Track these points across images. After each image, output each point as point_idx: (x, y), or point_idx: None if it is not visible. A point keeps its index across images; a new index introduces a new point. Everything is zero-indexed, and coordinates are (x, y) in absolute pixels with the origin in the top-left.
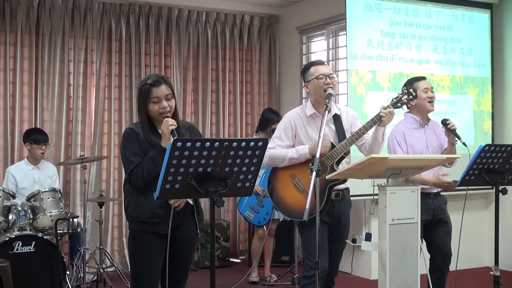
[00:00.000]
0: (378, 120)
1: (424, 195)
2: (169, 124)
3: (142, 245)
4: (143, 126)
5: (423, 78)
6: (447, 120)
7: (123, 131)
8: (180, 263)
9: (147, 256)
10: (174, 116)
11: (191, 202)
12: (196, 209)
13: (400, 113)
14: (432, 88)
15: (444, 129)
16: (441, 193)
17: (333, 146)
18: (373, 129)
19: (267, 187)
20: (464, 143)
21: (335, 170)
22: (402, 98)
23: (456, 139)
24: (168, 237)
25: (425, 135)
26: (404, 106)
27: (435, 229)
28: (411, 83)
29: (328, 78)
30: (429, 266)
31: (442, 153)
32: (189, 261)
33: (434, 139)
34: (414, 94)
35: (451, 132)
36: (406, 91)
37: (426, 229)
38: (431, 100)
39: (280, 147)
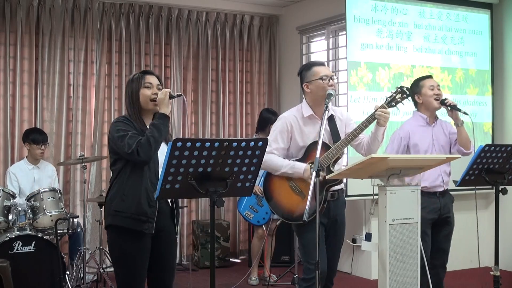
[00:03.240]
0: (373, 120)
1: (430, 194)
2: (167, 90)
3: (128, 247)
4: (136, 117)
5: (430, 77)
6: (445, 99)
7: None
8: (165, 266)
9: (135, 259)
10: None
11: (169, 202)
12: (176, 212)
13: (409, 112)
14: (438, 86)
15: (447, 112)
16: (449, 192)
17: (328, 147)
18: (370, 128)
19: (263, 189)
20: (465, 113)
21: (331, 171)
22: (396, 97)
23: (460, 115)
24: (183, 237)
25: (432, 134)
26: (405, 103)
27: (438, 229)
28: (418, 82)
29: (330, 80)
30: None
31: (454, 145)
32: (175, 262)
33: (442, 137)
34: (407, 92)
35: (452, 108)
36: (399, 89)
37: (432, 228)
38: (437, 98)
39: (276, 151)
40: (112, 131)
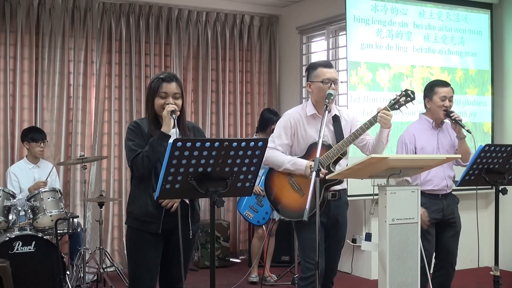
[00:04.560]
0: (375, 122)
1: (433, 196)
2: (169, 108)
3: (138, 243)
4: (149, 120)
5: (447, 85)
6: (451, 112)
7: (123, 131)
8: (177, 263)
9: (143, 254)
10: (181, 116)
11: (187, 201)
12: (191, 211)
13: (412, 112)
14: (451, 97)
15: (451, 124)
16: (453, 193)
17: (329, 148)
18: (376, 129)
19: (264, 186)
20: (468, 130)
21: (332, 171)
22: (400, 100)
23: (463, 131)
24: (180, 236)
25: (437, 137)
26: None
27: (443, 230)
28: (433, 86)
29: (333, 84)
30: (434, 265)
31: (455, 153)
32: (187, 261)
33: (447, 140)
34: (412, 96)
35: (456, 123)
36: (404, 92)
37: (436, 229)
38: (445, 109)
39: (280, 147)
40: (125, 139)
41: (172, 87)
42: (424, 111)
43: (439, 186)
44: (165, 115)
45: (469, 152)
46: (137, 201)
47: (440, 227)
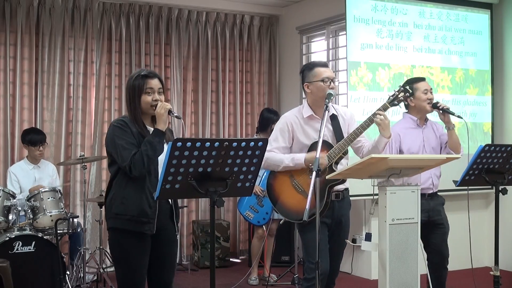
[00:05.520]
0: (374, 118)
1: None
2: (167, 107)
3: (131, 247)
4: (136, 120)
5: (423, 79)
6: (437, 103)
7: None
8: (166, 264)
9: (138, 259)
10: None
11: (170, 201)
12: (174, 210)
13: (399, 113)
14: (431, 89)
15: (439, 115)
16: (439, 194)
17: (330, 147)
18: (374, 128)
19: (266, 188)
20: (459, 116)
21: (334, 170)
22: (399, 96)
23: (452, 119)
24: (185, 237)
25: (423, 135)
26: (402, 106)
27: (431, 231)
28: (411, 83)
29: (332, 82)
30: (427, 266)
31: (444, 148)
32: (175, 262)
33: (433, 138)
34: (410, 91)
35: (445, 112)
36: (402, 88)
37: (423, 230)
38: (430, 102)
39: (277, 150)
40: (110, 135)
41: (156, 82)
42: (406, 111)
43: (424, 184)
44: (161, 113)
45: (459, 142)
46: (128, 201)
47: (429, 230)
